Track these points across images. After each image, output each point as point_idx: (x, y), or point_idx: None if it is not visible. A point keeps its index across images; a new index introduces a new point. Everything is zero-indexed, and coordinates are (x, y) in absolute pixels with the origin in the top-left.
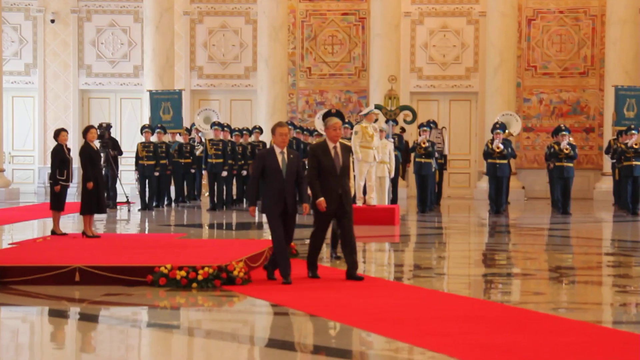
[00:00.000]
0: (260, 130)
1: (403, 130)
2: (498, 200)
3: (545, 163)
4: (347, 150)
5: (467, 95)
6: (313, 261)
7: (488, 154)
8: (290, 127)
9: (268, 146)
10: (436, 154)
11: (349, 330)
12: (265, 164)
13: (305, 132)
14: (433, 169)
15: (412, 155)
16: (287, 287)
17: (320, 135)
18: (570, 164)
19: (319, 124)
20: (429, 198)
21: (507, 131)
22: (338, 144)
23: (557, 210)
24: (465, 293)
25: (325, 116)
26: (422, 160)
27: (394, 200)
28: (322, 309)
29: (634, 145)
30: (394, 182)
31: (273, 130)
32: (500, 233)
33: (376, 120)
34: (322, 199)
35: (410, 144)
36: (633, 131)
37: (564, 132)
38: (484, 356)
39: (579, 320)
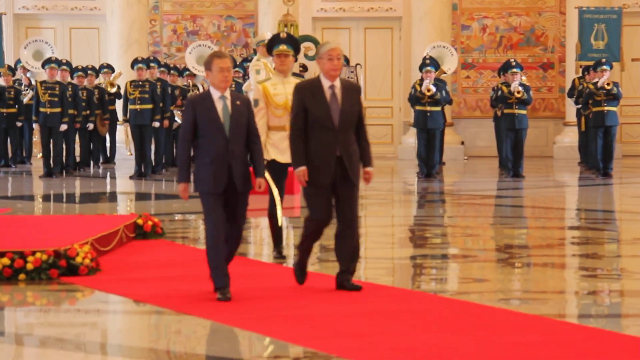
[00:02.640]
0: (111, 70)
1: (304, 68)
2: (429, 159)
3: (492, 110)
4: (353, 92)
5: (388, 21)
6: (302, 266)
7: (416, 98)
8: (153, 64)
9: (125, 89)
10: None
11: (232, 332)
12: (198, 115)
13: (172, 72)
14: None
15: None
16: (149, 278)
17: (193, 75)
18: (523, 111)
19: (191, 61)
20: None
21: (440, 68)
22: (338, 83)
23: (506, 172)
24: (387, 281)
25: (272, 42)
26: None
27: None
28: (195, 306)
29: (605, 86)
30: None
31: (208, 65)
32: (432, 203)
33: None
34: (303, 168)
35: None
36: (604, 66)
37: (514, 69)
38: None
39: (535, 315)
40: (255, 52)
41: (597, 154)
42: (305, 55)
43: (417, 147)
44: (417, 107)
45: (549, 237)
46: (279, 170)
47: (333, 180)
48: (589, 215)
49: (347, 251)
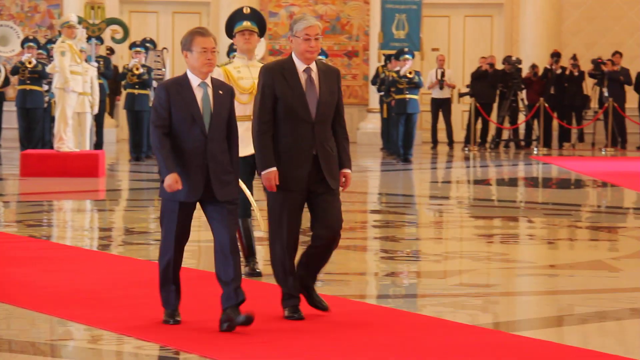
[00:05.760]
0: None
1: (111, 51)
2: None
3: None
4: (332, 76)
5: (197, 5)
6: (288, 289)
7: None
8: None
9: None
10: (155, 84)
11: (33, 316)
12: (173, 104)
13: None
14: (151, 103)
15: (123, 84)
16: None
17: None
18: None
19: None
20: (146, 141)
21: None
22: (314, 66)
23: None
24: (191, 264)
25: (233, 19)
26: (136, 91)
27: (98, 144)
28: (4, 291)
29: (407, 74)
30: (98, 121)
31: (187, 44)
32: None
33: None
34: (273, 169)
35: (121, 70)
36: (406, 55)
37: (320, 57)
38: (209, 344)
39: (337, 296)
40: (60, 33)
41: (398, 141)
42: (113, 38)
43: None
44: None
45: (351, 220)
46: (247, 167)
47: (308, 184)
48: (390, 199)
49: (318, 266)
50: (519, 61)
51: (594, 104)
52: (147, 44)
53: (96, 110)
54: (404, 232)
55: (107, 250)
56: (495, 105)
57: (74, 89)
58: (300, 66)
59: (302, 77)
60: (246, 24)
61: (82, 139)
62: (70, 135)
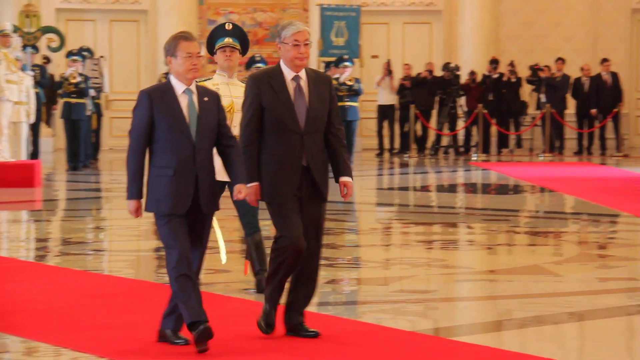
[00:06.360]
0: None
1: (47, 60)
2: None
3: None
4: (322, 84)
5: (134, 14)
6: (272, 312)
7: None
8: None
9: None
10: (92, 92)
11: None
12: (157, 113)
13: None
14: (88, 112)
15: (59, 93)
16: None
17: None
18: None
19: None
20: (83, 151)
21: None
22: (304, 73)
23: None
24: (129, 274)
25: (215, 35)
26: (73, 100)
27: (34, 153)
28: None
29: (347, 82)
30: (34, 130)
31: (172, 49)
32: None
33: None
34: (255, 184)
35: (57, 78)
36: (346, 63)
37: (258, 65)
38: (147, 355)
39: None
40: None
41: None
42: (49, 47)
43: None
44: None
45: None
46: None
47: (297, 195)
48: (330, 206)
49: (304, 286)
50: (457, 68)
51: (532, 109)
52: (84, 53)
53: (32, 119)
54: (344, 239)
55: (44, 261)
56: (434, 112)
57: (9, 98)
58: (288, 74)
59: (291, 86)
60: (227, 40)
61: (17, 149)
62: (5, 145)
